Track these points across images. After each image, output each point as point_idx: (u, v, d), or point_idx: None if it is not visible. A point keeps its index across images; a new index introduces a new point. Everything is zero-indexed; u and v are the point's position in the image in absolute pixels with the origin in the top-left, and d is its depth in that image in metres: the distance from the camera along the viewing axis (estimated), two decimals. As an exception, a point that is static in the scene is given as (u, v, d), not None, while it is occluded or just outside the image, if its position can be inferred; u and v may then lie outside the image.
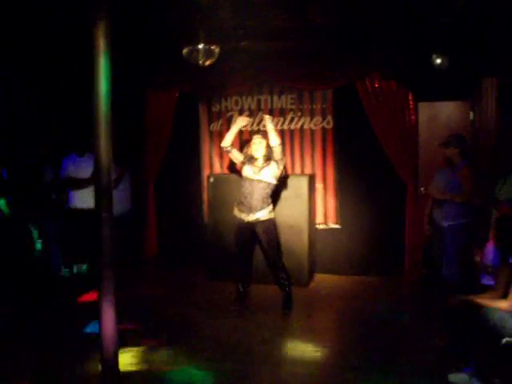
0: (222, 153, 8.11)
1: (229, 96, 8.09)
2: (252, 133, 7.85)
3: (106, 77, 3.19)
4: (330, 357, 4.84)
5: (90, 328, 5.17)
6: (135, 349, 4.91)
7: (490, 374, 3.90)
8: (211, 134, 8.23)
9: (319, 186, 7.80)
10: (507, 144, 6.34)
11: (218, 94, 8.10)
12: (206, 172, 8.20)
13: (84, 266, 7.41)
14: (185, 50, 5.69)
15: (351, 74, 7.43)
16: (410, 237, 7.38)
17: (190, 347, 5.02)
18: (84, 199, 6.88)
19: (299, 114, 7.84)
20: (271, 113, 7.88)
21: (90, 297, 6.06)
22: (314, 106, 7.80)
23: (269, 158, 5.89)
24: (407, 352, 4.79)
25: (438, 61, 6.46)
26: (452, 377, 4.13)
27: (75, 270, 7.46)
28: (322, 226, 7.83)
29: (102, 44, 3.17)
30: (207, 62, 5.80)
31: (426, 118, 7.54)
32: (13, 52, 6.85)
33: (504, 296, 4.00)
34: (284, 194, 6.84)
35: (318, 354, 4.88)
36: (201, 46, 5.67)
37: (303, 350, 4.98)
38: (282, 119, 7.89)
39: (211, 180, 7.36)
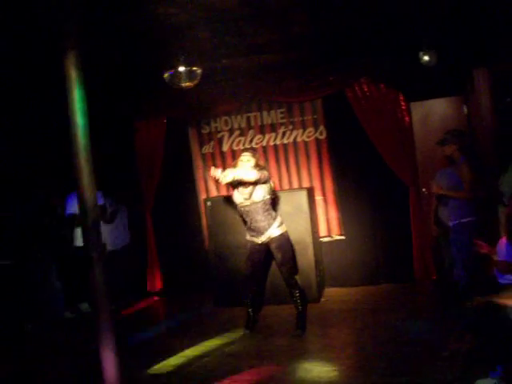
0: (217, 175, 7.96)
1: (218, 116, 7.96)
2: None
3: (81, 107, 3.02)
4: (351, 376, 4.61)
5: None
6: None
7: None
8: (204, 156, 8.08)
9: (319, 198, 7.64)
10: (505, 135, 6.19)
11: (206, 115, 7.97)
12: (202, 196, 8.03)
13: (86, 304, 7.29)
14: (166, 75, 5.53)
15: (339, 82, 7.33)
16: (416, 240, 7.21)
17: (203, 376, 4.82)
18: None
19: (291, 127, 7.71)
20: (262, 129, 7.76)
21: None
22: (305, 118, 7.67)
23: (256, 182, 5.64)
24: (431, 361, 4.57)
25: (426, 58, 6.32)
26: (480, 382, 3.92)
27: (82, 307, 7.31)
28: (326, 239, 7.66)
29: (73, 74, 3.01)
30: (190, 85, 5.64)
31: (419, 118, 7.41)
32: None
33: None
34: (284, 210, 6.65)
35: (336, 373, 4.65)
36: (182, 69, 5.51)
37: (320, 371, 4.75)
38: (273, 134, 7.76)
39: (208, 204, 7.17)
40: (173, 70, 5.54)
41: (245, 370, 4.86)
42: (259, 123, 7.82)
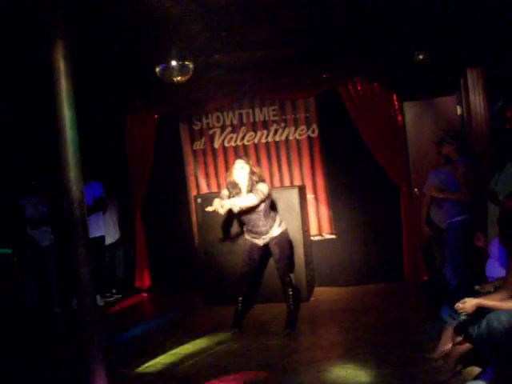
0: (208, 172, 7.93)
1: (209, 113, 7.89)
2: (236, 149, 7.72)
3: (68, 99, 2.93)
4: (340, 376, 4.55)
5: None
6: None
7: (508, 381, 3.64)
8: (195, 153, 8.00)
9: (310, 196, 7.59)
10: (500, 135, 6.15)
11: (198, 111, 7.90)
12: (192, 193, 7.94)
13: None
14: (157, 69, 5.47)
15: (332, 80, 7.29)
16: (407, 240, 7.18)
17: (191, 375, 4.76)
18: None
19: (283, 124, 7.65)
20: (254, 126, 7.70)
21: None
22: (298, 116, 7.61)
23: (251, 190, 5.58)
24: (421, 363, 4.52)
25: (420, 57, 6.29)
26: (469, 385, 3.88)
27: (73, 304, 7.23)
28: (316, 238, 7.60)
29: (61, 65, 2.93)
30: (182, 79, 5.58)
31: (412, 118, 7.37)
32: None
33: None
34: (273, 207, 6.58)
35: (327, 373, 4.60)
36: (174, 63, 5.45)
37: (307, 371, 4.69)
38: (265, 132, 7.69)
39: (199, 201, 7.08)
40: (165, 64, 5.48)
41: (233, 370, 4.81)
42: (251, 120, 7.76)
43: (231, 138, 7.82)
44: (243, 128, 7.77)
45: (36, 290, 7.35)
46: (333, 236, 7.58)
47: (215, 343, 5.62)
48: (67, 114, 2.92)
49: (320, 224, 7.64)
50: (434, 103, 7.40)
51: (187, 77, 5.60)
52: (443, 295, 5.83)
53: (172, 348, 5.54)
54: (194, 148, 7.99)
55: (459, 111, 7.00)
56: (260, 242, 5.73)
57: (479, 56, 6.08)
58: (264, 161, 7.71)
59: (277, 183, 7.67)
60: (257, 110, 7.74)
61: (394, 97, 7.14)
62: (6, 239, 7.27)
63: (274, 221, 5.74)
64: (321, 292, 7.26)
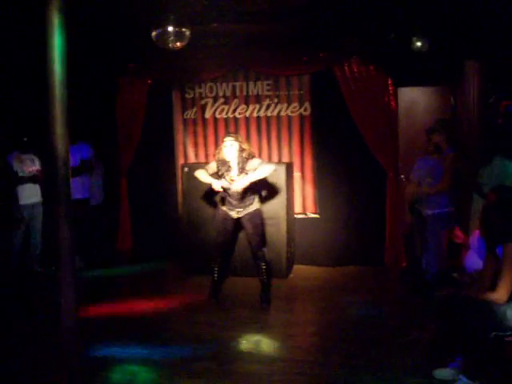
0: (197, 142, 7.88)
1: (203, 82, 7.81)
2: (227, 121, 7.68)
3: (60, 54, 2.88)
4: (311, 353, 4.61)
5: None
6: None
7: (478, 369, 3.71)
8: (185, 122, 7.94)
9: (297, 174, 7.59)
10: (491, 129, 6.17)
11: (191, 80, 7.81)
12: (180, 161, 7.90)
13: None
14: (154, 33, 5.36)
15: (329, 59, 7.23)
16: (390, 225, 7.22)
17: (164, 343, 4.80)
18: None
19: (276, 100, 7.60)
20: (247, 99, 7.64)
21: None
22: (291, 93, 7.57)
23: (243, 167, 5.58)
24: (389, 347, 4.59)
25: (419, 44, 6.24)
26: (437, 373, 3.94)
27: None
28: (300, 216, 7.62)
29: (56, 19, 2.87)
30: (178, 45, 5.48)
31: (405, 104, 7.37)
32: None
33: (491, 287, 3.79)
34: (261, 184, 6.57)
35: (298, 351, 4.65)
36: (171, 29, 5.35)
37: (280, 346, 4.75)
38: (257, 106, 7.64)
39: (185, 170, 7.05)
40: (161, 29, 5.38)
41: (206, 339, 4.86)
42: (244, 93, 7.70)
43: (223, 109, 7.76)
44: (236, 100, 7.71)
45: (19, 247, 7.25)
46: (316, 215, 7.60)
47: (191, 310, 5.71)
48: (58, 69, 2.86)
49: (305, 202, 7.65)
50: (428, 91, 7.39)
51: (183, 43, 5.50)
52: (420, 282, 5.91)
53: (145, 314, 5.63)
54: (185, 117, 7.93)
55: (453, 102, 7.00)
56: (234, 214, 5.75)
57: (479, 49, 6.06)
58: (254, 135, 7.67)
59: (265, 159, 7.59)
60: (251, 84, 7.68)
61: (389, 81, 7.10)
62: None
63: (254, 198, 5.80)
64: (300, 270, 7.29)
